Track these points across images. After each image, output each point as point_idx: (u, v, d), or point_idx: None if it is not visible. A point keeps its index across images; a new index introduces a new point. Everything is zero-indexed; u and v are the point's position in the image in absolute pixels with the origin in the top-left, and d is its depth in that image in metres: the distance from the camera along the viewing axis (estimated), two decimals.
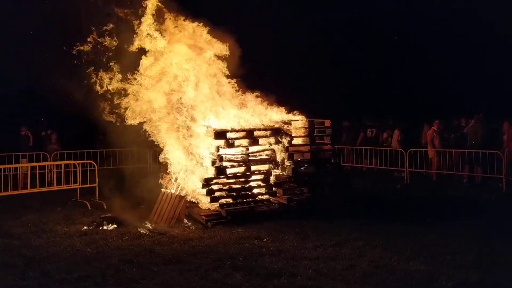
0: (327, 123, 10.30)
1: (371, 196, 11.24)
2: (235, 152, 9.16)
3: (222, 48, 9.86)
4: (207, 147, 9.15)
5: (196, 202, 9.30)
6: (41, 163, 12.82)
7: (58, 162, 11.87)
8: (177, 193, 9.09)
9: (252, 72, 10.71)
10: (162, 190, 9.43)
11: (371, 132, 16.25)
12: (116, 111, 9.56)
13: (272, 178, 9.41)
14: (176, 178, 9.36)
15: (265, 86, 10.47)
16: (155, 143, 9.69)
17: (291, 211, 9.10)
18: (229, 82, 9.93)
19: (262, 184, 9.28)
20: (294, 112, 10.15)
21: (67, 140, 15.60)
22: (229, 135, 8.95)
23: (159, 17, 9.63)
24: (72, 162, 11.27)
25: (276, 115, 9.92)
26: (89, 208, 10.22)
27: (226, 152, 9.01)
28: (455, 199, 11.02)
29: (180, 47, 9.64)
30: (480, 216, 8.99)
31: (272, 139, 9.40)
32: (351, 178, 11.53)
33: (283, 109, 10.11)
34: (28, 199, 10.76)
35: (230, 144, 8.92)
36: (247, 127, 9.30)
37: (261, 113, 9.77)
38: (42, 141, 14.98)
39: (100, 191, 10.98)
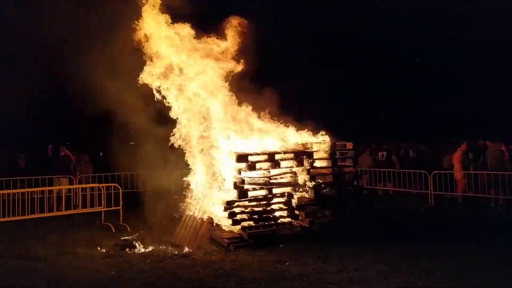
0: (349, 145, 10.27)
1: (395, 219, 11.08)
2: (257, 175, 9.19)
3: (240, 67, 10.04)
4: (229, 169, 9.21)
5: (218, 224, 9.31)
6: (68, 186, 13.07)
7: (84, 185, 12.08)
8: (200, 215, 9.15)
9: (273, 93, 10.79)
10: (185, 212, 9.49)
11: (382, 156, 16.15)
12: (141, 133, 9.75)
13: (294, 201, 9.37)
14: (198, 201, 9.43)
15: (288, 108, 10.54)
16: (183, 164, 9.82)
17: (313, 234, 9.02)
18: (250, 104, 10.05)
19: (284, 207, 9.26)
20: (316, 133, 10.17)
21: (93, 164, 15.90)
22: (250, 158, 9.00)
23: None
24: (97, 185, 11.45)
25: (297, 137, 9.95)
26: (113, 230, 10.34)
27: (247, 175, 9.05)
28: (482, 222, 10.77)
29: (202, 65, 9.81)
30: (508, 240, 8.76)
31: (293, 162, 9.41)
32: (373, 200, 11.42)
33: (304, 130, 10.14)
34: (55, 221, 10.95)
35: (251, 167, 8.96)
36: (268, 150, 9.34)
37: (283, 135, 9.82)
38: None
39: (124, 213, 11.10)
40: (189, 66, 9.69)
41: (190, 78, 9.62)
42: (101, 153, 17.81)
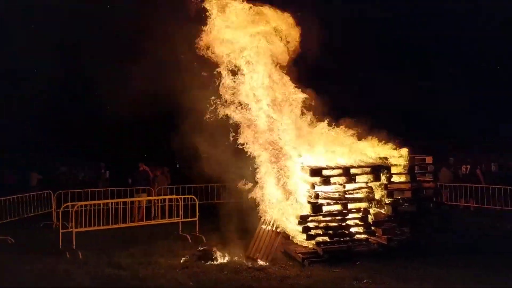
0: (429, 159, 9.87)
1: (477, 236, 10.45)
2: (331, 190, 9.08)
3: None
4: (303, 183, 9.18)
5: (292, 239, 9.29)
6: (147, 198, 13.72)
7: (162, 197, 12.56)
8: (273, 229, 9.18)
9: (348, 105, 10.64)
10: (259, 225, 9.56)
11: (465, 169, 15.32)
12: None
13: (370, 217, 9.15)
14: (272, 214, 9.47)
15: (363, 118, 10.34)
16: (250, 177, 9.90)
17: (391, 251, 8.75)
18: (324, 116, 9.97)
19: (360, 223, 9.06)
20: (394, 147, 9.86)
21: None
22: (325, 172, 8.92)
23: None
24: (174, 196, 11.87)
25: (374, 150, 9.72)
26: (190, 241, 10.63)
27: (321, 189, 8.96)
28: None
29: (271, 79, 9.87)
30: None
31: (370, 176, 9.20)
32: (454, 217, 10.86)
33: (382, 143, 9.87)
34: (136, 231, 11.47)
35: (326, 182, 8.87)
36: (343, 164, 9.21)
37: (358, 148, 9.64)
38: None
39: (200, 225, 11.39)
40: (257, 73, 9.77)
41: (258, 86, 9.68)
42: (177, 165, 18.44)
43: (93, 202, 11.55)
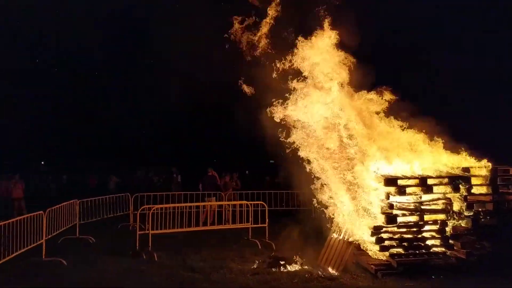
0: None
1: None
2: (407, 200, 8.77)
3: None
4: (376, 193, 8.95)
5: (364, 249, 9.08)
6: (217, 203, 14.02)
7: (232, 202, 12.79)
8: (345, 238, 9.03)
9: (425, 112, 10.21)
10: (330, 234, 9.45)
11: None
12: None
13: (448, 230, 8.73)
14: (344, 223, 9.32)
15: (441, 126, 9.92)
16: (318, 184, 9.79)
17: (470, 266, 8.28)
18: (399, 121, 9.68)
19: (437, 236, 8.67)
20: (474, 157, 9.37)
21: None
22: (400, 182, 8.64)
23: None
24: (244, 202, 12.03)
25: (453, 160, 9.28)
26: (260, 247, 10.72)
27: (396, 199, 8.68)
28: None
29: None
30: None
31: (448, 187, 8.79)
32: None
33: (461, 153, 9.41)
34: (207, 235, 11.73)
35: (401, 192, 8.58)
36: (420, 174, 8.87)
37: (436, 157, 9.25)
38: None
39: (270, 231, 11.44)
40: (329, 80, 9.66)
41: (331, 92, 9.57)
42: (247, 171, 18.71)
43: (168, 205, 12.00)
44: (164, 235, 10.70)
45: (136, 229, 10.34)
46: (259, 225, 11.52)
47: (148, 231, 10.12)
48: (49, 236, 9.65)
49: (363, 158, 9.11)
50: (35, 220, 9.07)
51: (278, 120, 9.62)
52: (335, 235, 9.35)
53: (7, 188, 14.50)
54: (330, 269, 8.66)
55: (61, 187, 21.76)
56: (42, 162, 35.05)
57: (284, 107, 9.57)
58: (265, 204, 12.01)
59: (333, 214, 9.64)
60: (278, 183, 17.94)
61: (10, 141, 30.83)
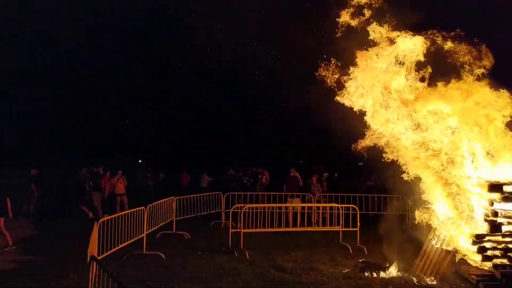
0: None
1: None
2: None
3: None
4: (479, 199, 8.41)
5: (464, 258, 8.57)
6: (305, 204, 14.00)
7: (323, 205, 12.71)
8: (443, 246, 8.59)
9: None
10: (427, 241, 9.04)
11: None
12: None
13: None
14: (442, 230, 8.87)
15: None
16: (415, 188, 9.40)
17: None
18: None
19: None
20: None
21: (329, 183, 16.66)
22: (506, 188, 8.04)
23: None
24: (335, 205, 11.89)
25: None
26: (351, 251, 10.54)
27: (501, 207, 8.08)
28: None
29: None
30: None
31: None
32: None
33: None
34: (295, 236, 11.77)
35: (507, 199, 7.98)
36: None
37: None
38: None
39: (361, 235, 11.21)
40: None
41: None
42: (335, 174, 18.47)
43: (258, 205, 12.21)
44: (254, 234, 10.91)
45: (228, 227, 10.65)
46: (350, 228, 11.33)
47: (240, 230, 10.39)
48: (150, 231, 10.24)
49: (465, 161, 8.62)
50: (137, 215, 9.67)
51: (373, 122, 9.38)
52: (432, 243, 8.93)
53: (111, 184, 15.58)
54: (426, 278, 8.29)
55: (157, 184, 23.02)
56: (140, 160, 37.32)
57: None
58: (356, 208, 11.77)
59: (430, 220, 9.22)
60: (370, 186, 17.50)
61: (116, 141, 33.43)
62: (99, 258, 7.04)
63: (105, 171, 15.88)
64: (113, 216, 8.93)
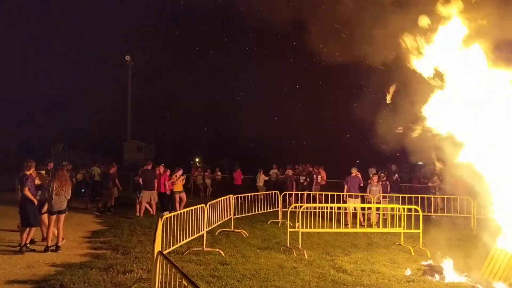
0: None
1: None
2: None
3: None
4: None
5: None
6: (367, 205, 13.73)
7: (383, 205, 12.41)
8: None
9: None
10: (495, 245, 8.60)
11: None
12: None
13: None
14: (510, 233, 8.40)
15: None
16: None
17: None
18: None
19: None
20: None
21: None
22: None
23: None
24: (396, 206, 11.58)
25: None
26: (413, 254, 10.22)
27: None
28: None
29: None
30: None
31: None
32: None
33: None
34: (354, 237, 11.57)
35: None
36: None
37: None
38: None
39: (424, 238, 10.84)
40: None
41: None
42: (396, 175, 18.00)
43: (316, 204, 12.14)
44: (311, 234, 10.82)
45: (286, 226, 10.63)
46: (412, 230, 10.99)
47: (298, 229, 10.34)
48: (209, 228, 10.41)
49: None
50: (197, 213, 9.85)
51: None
52: (501, 246, 8.48)
53: (172, 182, 15.87)
54: (495, 283, 7.88)
55: (214, 182, 23.35)
56: (198, 159, 38.13)
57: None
58: (418, 209, 11.39)
59: (498, 223, 8.77)
60: (431, 187, 16.91)
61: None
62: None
63: (165, 170, 16.17)
64: (174, 213, 9.16)
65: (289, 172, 18.95)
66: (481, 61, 8.68)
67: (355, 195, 14.52)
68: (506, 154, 8.49)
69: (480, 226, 9.49)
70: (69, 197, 10.06)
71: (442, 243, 10.25)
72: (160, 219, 7.07)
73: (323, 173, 19.61)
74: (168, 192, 15.36)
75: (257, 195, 14.20)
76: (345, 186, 15.00)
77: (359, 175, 15.23)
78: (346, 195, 14.53)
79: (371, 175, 16.04)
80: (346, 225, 12.85)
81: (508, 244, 8.36)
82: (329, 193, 15.14)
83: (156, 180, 14.96)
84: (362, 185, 15.10)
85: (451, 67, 8.97)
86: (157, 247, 5.88)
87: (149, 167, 15.24)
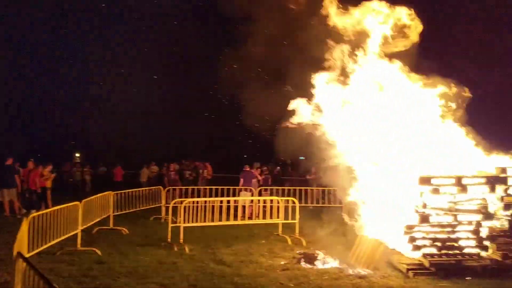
0: None
1: None
2: (441, 200, 8.60)
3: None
4: (409, 191, 8.82)
5: (395, 248, 8.96)
6: (247, 198, 14.06)
7: (263, 198, 12.83)
8: (376, 237, 8.93)
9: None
10: (361, 232, 9.36)
11: None
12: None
13: (483, 231, 8.53)
14: (375, 222, 9.22)
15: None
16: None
17: (506, 269, 8.08)
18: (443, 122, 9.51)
19: (472, 237, 8.49)
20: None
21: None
22: (434, 181, 8.49)
23: None
24: (275, 198, 12.05)
25: (490, 159, 9.05)
26: (290, 243, 10.73)
27: (430, 198, 8.54)
28: None
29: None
30: None
31: (484, 188, 8.57)
32: None
33: (499, 153, 9.17)
34: (237, 230, 11.80)
35: (435, 191, 8.44)
36: (455, 173, 8.68)
37: (473, 157, 9.03)
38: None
39: (300, 227, 11.42)
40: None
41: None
42: (278, 167, 18.72)
43: (199, 199, 12.14)
44: (195, 228, 10.82)
45: (168, 222, 10.50)
46: (290, 221, 11.52)
47: (179, 224, 10.27)
48: (85, 226, 9.90)
49: (398, 155, 9.01)
50: (71, 210, 9.31)
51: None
52: (366, 233, 9.26)
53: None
54: (360, 267, 8.58)
55: (95, 179, 22.31)
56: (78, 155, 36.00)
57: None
58: (295, 200, 11.98)
59: (364, 212, 9.56)
60: (309, 179, 17.90)
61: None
62: (28, 255, 6.72)
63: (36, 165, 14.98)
64: (45, 211, 8.57)
65: (172, 166, 18.74)
66: (348, 62, 9.43)
67: (249, 188, 14.84)
68: (371, 151, 9.32)
69: (351, 215, 10.22)
70: None
71: (317, 232, 10.90)
72: (25, 218, 6.55)
73: (209, 168, 19.76)
74: (39, 190, 14.33)
75: (139, 191, 13.81)
76: (241, 180, 15.32)
77: (253, 171, 15.69)
78: (241, 188, 14.83)
79: (255, 169, 16.52)
80: (242, 217, 12.95)
81: (371, 231, 9.15)
82: (213, 187, 15.31)
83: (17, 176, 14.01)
84: (255, 179, 15.52)
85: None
86: (18, 248, 5.44)
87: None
